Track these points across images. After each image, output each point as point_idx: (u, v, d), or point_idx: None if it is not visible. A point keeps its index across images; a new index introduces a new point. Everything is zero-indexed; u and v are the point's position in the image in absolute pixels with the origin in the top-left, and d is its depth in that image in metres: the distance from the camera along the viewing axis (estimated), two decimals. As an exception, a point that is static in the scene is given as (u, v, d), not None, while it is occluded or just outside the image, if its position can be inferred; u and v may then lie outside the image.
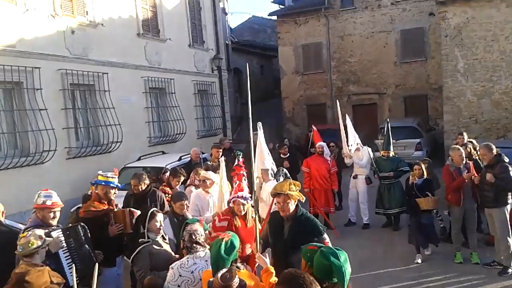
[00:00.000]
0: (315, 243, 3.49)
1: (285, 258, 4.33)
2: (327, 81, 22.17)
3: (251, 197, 5.32)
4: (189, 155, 10.23)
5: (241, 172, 5.60)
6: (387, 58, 20.78)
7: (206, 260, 3.83)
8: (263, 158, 7.63)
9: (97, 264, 3.68)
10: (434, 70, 19.63)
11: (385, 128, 9.59)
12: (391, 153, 9.47)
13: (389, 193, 9.21)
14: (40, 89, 9.55)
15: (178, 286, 3.74)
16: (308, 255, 3.26)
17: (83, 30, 11.00)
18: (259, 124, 7.48)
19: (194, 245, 3.92)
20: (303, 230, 4.33)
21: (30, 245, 3.74)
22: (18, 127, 9.31)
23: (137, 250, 4.43)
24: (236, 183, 5.40)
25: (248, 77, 4.86)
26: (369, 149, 9.91)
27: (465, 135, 9.75)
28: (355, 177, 9.82)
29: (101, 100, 11.31)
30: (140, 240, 4.55)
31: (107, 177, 5.42)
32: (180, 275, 3.75)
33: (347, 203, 10.19)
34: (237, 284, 3.06)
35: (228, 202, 5.51)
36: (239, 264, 3.70)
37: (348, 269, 3.03)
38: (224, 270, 3.14)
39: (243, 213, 5.32)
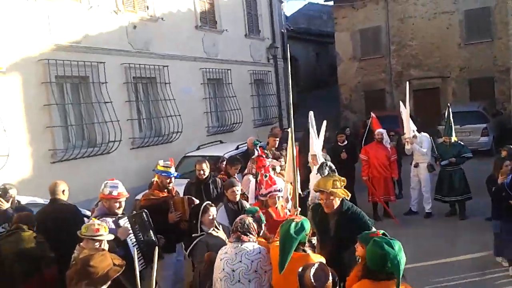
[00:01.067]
0: (374, 231, 3.47)
1: (336, 255, 4.17)
2: (386, 66, 21.52)
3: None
4: (246, 144, 10.37)
5: (266, 163, 5.53)
6: (450, 40, 19.82)
7: (251, 260, 3.72)
8: (313, 144, 7.56)
9: (157, 247, 3.81)
10: (501, 51, 18.51)
11: (447, 113, 9.21)
12: (453, 139, 9.10)
13: (450, 180, 8.90)
14: (105, 83, 10.02)
15: (220, 279, 3.74)
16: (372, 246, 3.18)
17: (144, 24, 11.39)
18: (311, 113, 7.40)
19: (243, 235, 3.84)
20: (351, 226, 4.16)
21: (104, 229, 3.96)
22: (85, 119, 9.82)
23: (193, 243, 4.48)
24: (266, 176, 5.28)
25: (289, 70, 4.80)
26: (427, 135, 9.56)
27: None
28: (416, 165, 9.51)
29: (162, 92, 11.70)
30: (193, 234, 4.59)
31: (164, 166, 5.58)
32: (223, 269, 3.74)
33: (408, 191, 9.94)
34: (331, 282, 2.97)
35: (256, 196, 5.40)
36: (306, 248, 3.72)
37: (403, 259, 3.00)
38: (317, 266, 3.03)
39: (277, 205, 5.25)
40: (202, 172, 6.57)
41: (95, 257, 3.21)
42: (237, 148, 10.34)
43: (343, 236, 4.14)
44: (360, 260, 3.58)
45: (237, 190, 5.53)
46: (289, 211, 4.49)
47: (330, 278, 3.00)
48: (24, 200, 6.28)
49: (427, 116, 17.56)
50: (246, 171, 7.41)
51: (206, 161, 6.84)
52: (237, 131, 14.40)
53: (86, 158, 9.54)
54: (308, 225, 3.70)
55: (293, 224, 3.59)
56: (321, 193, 4.32)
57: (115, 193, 4.61)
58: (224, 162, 8.00)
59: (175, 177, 5.78)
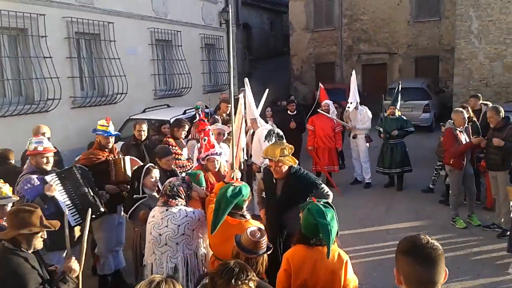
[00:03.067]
0: (315, 197, 3.53)
1: (277, 216, 4.34)
2: (337, 39, 21.72)
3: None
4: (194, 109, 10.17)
5: (207, 128, 5.49)
6: (400, 16, 20.23)
7: (178, 224, 3.69)
8: (252, 109, 7.56)
9: (90, 209, 3.77)
10: (447, 31, 19.12)
11: (397, 88, 9.43)
12: (397, 111, 9.34)
13: (392, 153, 9.19)
14: (45, 37, 9.42)
15: (148, 242, 3.72)
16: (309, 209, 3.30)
17: (88, -23, 10.73)
18: (246, 79, 7.37)
19: (170, 199, 3.80)
20: (297, 187, 4.28)
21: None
22: (23, 74, 9.25)
23: (135, 206, 4.39)
24: (205, 139, 5.26)
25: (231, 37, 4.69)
26: (367, 108, 9.80)
27: (480, 97, 9.47)
28: (355, 136, 9.77)
29: (106, 50, 11.17)
30: (134, 196, 4.49)
31: (102, 125, 5.41)
32: (150, 233, 3.73)
33: (351, 162, 10.21)
34: (266, 243, 3.05)
35: (200, 159, 5.35)
36: (245, 213, 3.71)
37: (334, 228, 3.11)
38: (255, 228, 3.12)
39: (216, 169, 5.23)
40: (142, 132, 6.58)
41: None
42: (184, 112, 10.14)
43: (288, 197, 4.23)
44: None
45: (171, 159, 5.45)
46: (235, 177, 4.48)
47: (265, 236, 3.08)
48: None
49: (373, 91, 17.96)
50: (190, 136, 7.28)
51: (146, 122, 6.88)
52: (186, 96, 14.09)
53: (23, 116, 9.03)
54: (246, 191, 3.70)
55: (230, 188, 3.60)
56: (269, 160, 4.38)
57: (40, 148, 4.50)
58: (168, 126, 7.82)
59: (114, 136, 5.57)
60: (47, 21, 9.45)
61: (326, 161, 9.52)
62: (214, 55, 16.58)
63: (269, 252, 3.07)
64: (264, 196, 4.73)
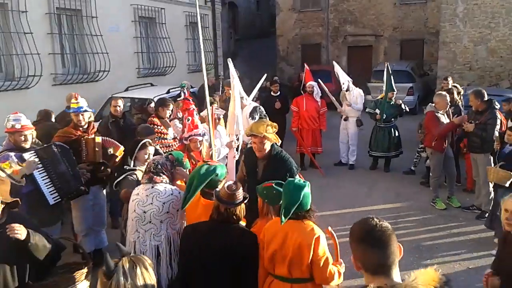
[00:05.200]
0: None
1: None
2: (324, 20, 21.60)
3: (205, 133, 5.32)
4: (178, 88, 10.06)
5: (191, 107, 5.46)
6: (387, -2, 20.15)
7: (163, 201, 3.67)
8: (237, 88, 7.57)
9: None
10: (433, 14, 19.14)
11: (386, 70, 9.46)
12: (394, 95, 9.31)
13: (389, 136, 9.24)
14: (25, 12, 9.16)
15: (132, 219, 3.72)
16: (265, 193, 3.49)
17: (69, -51, 10.40)
18: (229, 59, 7.35)
19: (155, 176, 3.77)
20: (277, 170, 4.29)
21: None
22: (3, 50, 9.02)
23: (123, 176, 4.40)
24: (188, 119, 5.27)
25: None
26: (361, 91, 9.82)
27: (450, 80, 9.65)
28: (346, 119, 9.80)
29: (88, 27, 10.92)
30: (125, 166, 4.53)
31: (73, 102, 5.34)
32: (134, 211, 3.70)
33: (337, 144, 10.19)
34: (241, 194, 3.19)
35: (182, 139, 5.38)
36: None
37: (291, 198, 3.18)
38: (231, 182, 3.25)
39: (199, 149, 5.26)
40: (118, 108, 6.73)
41: None
42: (168, 91, 10.02)
43: (270, 177, 4.15)
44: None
45: (154, 139, 5.47)
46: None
47: (241, 189, 3.22)
48: None
49: (358, 73, 17.99)
50: (172, 116, 7.20)
51: (122, 99, 7.10)
52: (170, 75, 13.92)
53: (3, 92, 8.83)
54: (222, 171, 3.68)
55: (205, 166, 3.61)
56: (253, 137, 4.37)
57: (18, 126, 4.46)
58: (152, 104, 7.73)
59: (88, 112, 5.48)
60: (27, -5, 9.18)
61: (310, 143, 9.55)
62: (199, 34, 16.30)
63: (245, 201, 3.21)
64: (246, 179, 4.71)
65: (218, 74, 16.46)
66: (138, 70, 12.95)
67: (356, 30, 21.02)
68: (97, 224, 5.70)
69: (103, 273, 2.08)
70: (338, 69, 9.83)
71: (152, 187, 3.72)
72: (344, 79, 9.65)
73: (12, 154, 4.37)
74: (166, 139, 6.47)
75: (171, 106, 6.91)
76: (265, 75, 8.51)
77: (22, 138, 4.51)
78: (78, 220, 5.53)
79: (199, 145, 5.19)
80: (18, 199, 3.11)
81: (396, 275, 1.91)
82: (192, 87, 10.32)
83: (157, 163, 3.85)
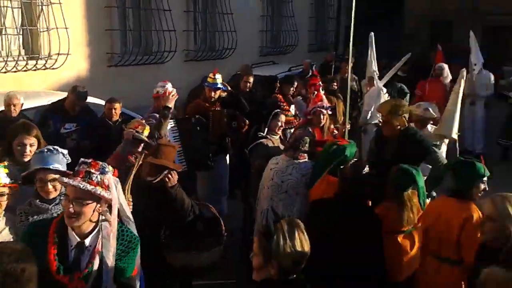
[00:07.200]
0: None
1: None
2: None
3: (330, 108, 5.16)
4: (300, 67, 10.15)
5: (318, 83, 5.52)
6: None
7: (302, 174, 3.74)
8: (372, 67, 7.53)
9: None
10: None
11: None
12: None
13: None
14: (166, -11, 9.81)
15: (268, 187, 3.84)
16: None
17: None
18: (371, 34, 7.13)
19: (301, 153, 3.84)
20: (410, 152, 3.85)
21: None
22: (143, 25, 9.81)
23: (256, 142, 4.62)
24: (314, 93, 5.21)
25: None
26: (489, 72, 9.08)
27: None
28: (473, 103, 9.07)
29: (220, 5, 11.40)
30: (259, 133, 4.79)
31: (211, 78, 5.63)
32: (272, 179, 3.80)
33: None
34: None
35: (307, 114, 5.23)
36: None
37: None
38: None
39: (322, 124, 4.96)
40: (248, 84, 6.84)
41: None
42: (289, 70, 10.16)
43: (399, 160, 3.76)
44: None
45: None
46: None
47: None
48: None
49: (494, 55, 16.36)
50: (295, 93, 7.32)
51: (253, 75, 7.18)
52: (290, 54, 13.97)
53: (141, 66, 9.61)
54: (351, 151, 3.60)
55: (334, 146, 3.58)
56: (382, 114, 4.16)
57: (161, 91, 4.87)
58: (278, 82, 7.90)
59: (221, 89, 5.76)
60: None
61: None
62: (323, 12, 16.10)
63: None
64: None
65: (338, 55, 16.11)
66: (260, 48, 13.23)
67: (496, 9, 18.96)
68: (218, 192, 5.96)
69: (262, 234, 2.13)
70: (473, 43, 9.07)
71: (294, 159, 3.80)
72: (477, 59, 8.86)
73: (157, 115, 4.65)
74: (287, 116, 6.59)
75: (295, 84, 7.03)
76: (409, 54, 8.18)
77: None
78: (199, 187, 5.80)
79: (322, 119, 4.93)
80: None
81: None
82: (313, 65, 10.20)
83: (304, 141, 3.86)
